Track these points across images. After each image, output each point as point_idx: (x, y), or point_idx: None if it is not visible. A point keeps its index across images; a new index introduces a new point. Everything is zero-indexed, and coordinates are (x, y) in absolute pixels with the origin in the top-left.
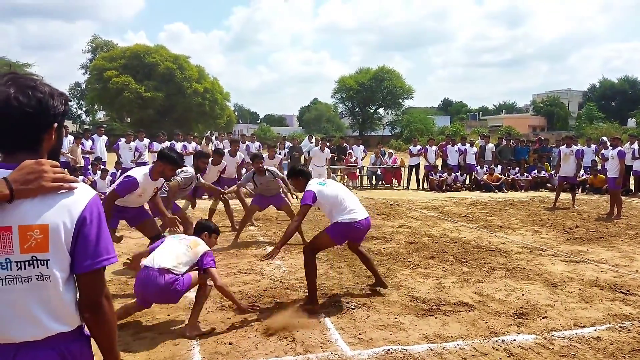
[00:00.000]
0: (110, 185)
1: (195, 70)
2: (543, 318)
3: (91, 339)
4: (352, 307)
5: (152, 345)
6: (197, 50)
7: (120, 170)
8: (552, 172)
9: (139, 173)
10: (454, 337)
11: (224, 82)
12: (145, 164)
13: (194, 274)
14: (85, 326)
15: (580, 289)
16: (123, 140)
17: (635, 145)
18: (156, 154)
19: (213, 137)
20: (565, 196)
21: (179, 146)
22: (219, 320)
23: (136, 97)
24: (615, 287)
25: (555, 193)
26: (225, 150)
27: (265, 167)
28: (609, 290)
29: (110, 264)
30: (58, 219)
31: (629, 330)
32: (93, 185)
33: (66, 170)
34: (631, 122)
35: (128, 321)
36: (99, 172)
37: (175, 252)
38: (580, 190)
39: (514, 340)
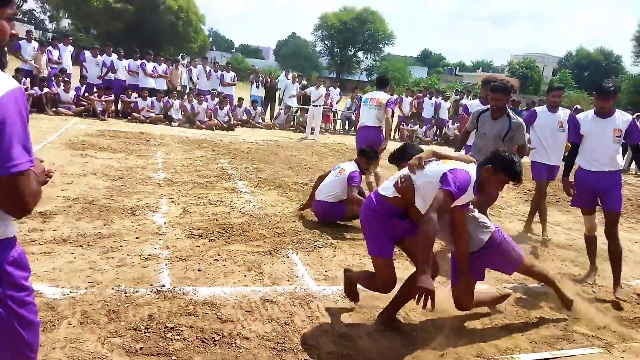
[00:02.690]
0: (73, 99)
1: None
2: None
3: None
4: (320, 245)
5: (120, 265)
6: None
7: (85, 86)
8: None
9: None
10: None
11: (200, 2)
12: (110, 81)
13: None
14: (9, 242)
15: (533, 248)
16: (89, 53)
17: None
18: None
19: (185, 61)
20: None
21: (149, 66)
22: (188, 247)
23: (105, 7)
24: (567, 248)
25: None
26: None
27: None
28: (560, 251)
29: (21, 171)
30: None
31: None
32: (56, 98)
33: (28, 79)
34: None
35: (95, 240)
36: (62, 84)
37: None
38: None
39: None
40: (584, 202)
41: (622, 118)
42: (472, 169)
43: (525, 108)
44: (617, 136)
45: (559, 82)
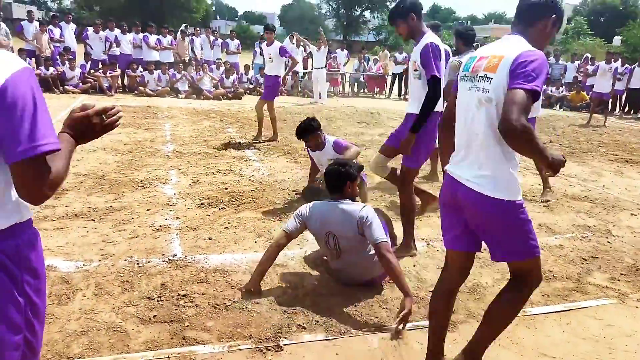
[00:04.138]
0: (79, 77)
1: None
2: None
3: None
4: None
5: (132, 237)
6: None
7: (90, 62)
8: None
9: None
10: (424, 239)
11: None
12: (115, 57)
13: None
14: (25, 225)
15: (547, 201)
16: (91, 29)
17: (618, 64)
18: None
19: (187, 31)
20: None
21: (152, 39)
22: (198, 217)
23: None
24: (581, 200)
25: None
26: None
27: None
28: (575, 202)
29: (47, 151)
30: None
31: (590, 240)
32: (62, 76)
33: (33, 59)
34: (617, 40)
35: (106, 214)
36: (67, 63)
37: None
38: (557, 105)
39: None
40: None
41: (420, 45)
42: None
43: None
44: (414, 70)
45: (572, 31)
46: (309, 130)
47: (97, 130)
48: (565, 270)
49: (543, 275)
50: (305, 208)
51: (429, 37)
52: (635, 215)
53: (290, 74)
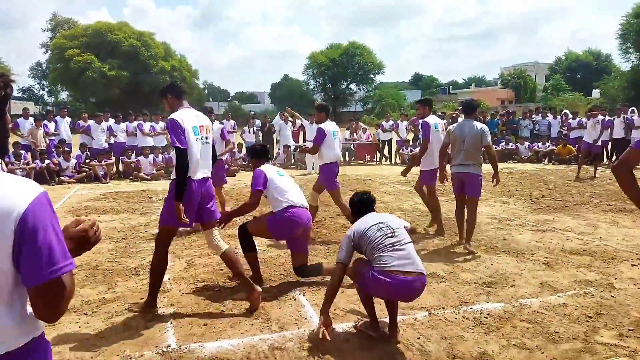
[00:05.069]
0: (75, 167)
1: (161, 47)
2: (511, 287)
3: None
4: (327, 282)
5: (125, 329)
6: (163, 27)
7: (85, 153)
8: (518, 144)
9: None
10: (426, 308)
11: (192, 59)
12: (110, 145)
13: None
14: (39, 338)
15: (546, 257)
16: (93, 121)
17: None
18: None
19: None
20: (534, 167)
21: (147, 126)
22: (192, 302)
23: (100, 77)
24: (580, 254)
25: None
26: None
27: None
28: (574, 257)
29: (67, 272)
30: None
31: (593, 295)
32: (59, 166)
33: (29, 153)
34: (595, 93)
35: (99, 306)
36: (62, 155)
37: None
38: (546, 160)
39: (483, 308)
40: None
41: None
42: None
43: (521, 117)
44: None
45: (551, 88)
46: None
47: (92, 243)
48: (571, 330)
49: (549, 337)
50: (348, 236)
51: (175, 114)
52: (636, 265)
53: (282, 148)
